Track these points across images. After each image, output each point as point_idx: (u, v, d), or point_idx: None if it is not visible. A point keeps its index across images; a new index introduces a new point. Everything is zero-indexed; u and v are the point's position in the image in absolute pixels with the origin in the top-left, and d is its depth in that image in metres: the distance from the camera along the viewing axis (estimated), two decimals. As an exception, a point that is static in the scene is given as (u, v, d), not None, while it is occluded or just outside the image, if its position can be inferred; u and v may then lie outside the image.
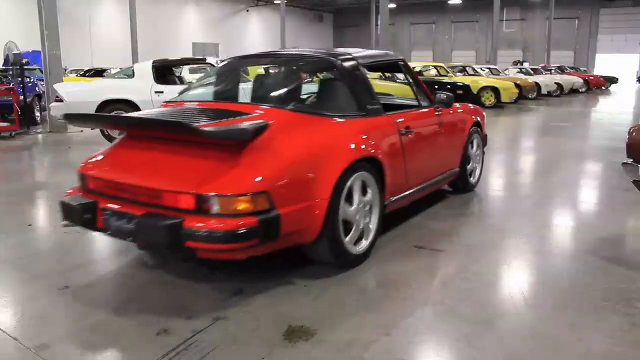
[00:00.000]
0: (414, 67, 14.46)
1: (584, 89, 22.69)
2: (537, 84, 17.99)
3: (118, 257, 3.38)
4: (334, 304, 2.66)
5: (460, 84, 14.21)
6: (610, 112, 14.71)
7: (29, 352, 2.24)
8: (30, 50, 15.75)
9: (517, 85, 15.46)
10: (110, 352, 2.26)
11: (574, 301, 2.69)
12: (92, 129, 7.82)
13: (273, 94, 3.60)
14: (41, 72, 11.84)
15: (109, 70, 18.15)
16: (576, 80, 21.69)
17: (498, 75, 18.53)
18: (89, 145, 8.31)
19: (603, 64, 35.90)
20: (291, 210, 2.66)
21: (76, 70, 19.54)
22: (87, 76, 16.89)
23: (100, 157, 3.11)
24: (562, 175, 5.96)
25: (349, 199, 3.01)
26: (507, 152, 7.75)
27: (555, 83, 19.86)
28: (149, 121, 2.93)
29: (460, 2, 38.58)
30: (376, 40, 31.98)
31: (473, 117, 4.79)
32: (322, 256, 3.02)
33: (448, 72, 15.50)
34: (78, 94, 8.04)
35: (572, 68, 26.77)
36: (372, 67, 4.16)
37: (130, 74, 8.43)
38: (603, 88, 25.88)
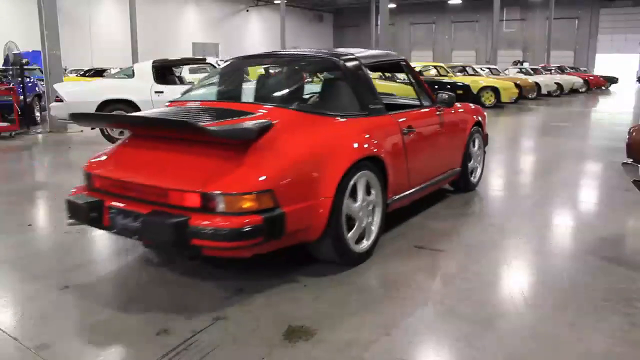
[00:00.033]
0: (414, 67, 14.42)
1: (584, 89, 22.69)
2: (537, 84, 17.99)
3: (118, 257, 3.38)
4: (334, 304, 2.66)
5: (460, 84, 14.21)
6: (610, 112, 14.71)
7: (29, 352, 2.24)
8: (30, 50, 15.75)
9: (517, 85, 15.46)
10: (111, 352, 2.26)
11: (574, 301, 2.69)
12: (92, 129, 7.82)
13: (277, 93, 3.64)
14: (41, 72, 11.84)
15: (109, 70, 18.15)
16: (576, 80, 21.69)
17: (498, 75, 18.53)
18: (89, 145, 8.31)
19: (603, 64, 35.90)
20: (295, 208, 2.68)
21: (76, 70, 19.54)
22: (87, 76, 16.89)
23: (106, 156, 3.14)
24: (562, 175, 5.96)
25: (353, 196, 3.04)
26: (507, 152, 7.75)
27: (555, 83, 19.86)
28: (155, 120, 2.95)
29: (460, 2, 38.58)
30: (376, 40, 31.99)
31: (474, 116, 4.82)
32: (326, 254, 3.04)
33: (448, 72, 15.50)
34: (78, 94, 8.05)
35: (572, 68, 26.76)
36: (375, 67, 4.18)
37: (130, 74, 8.43)
38: (603, 88, 25.88)
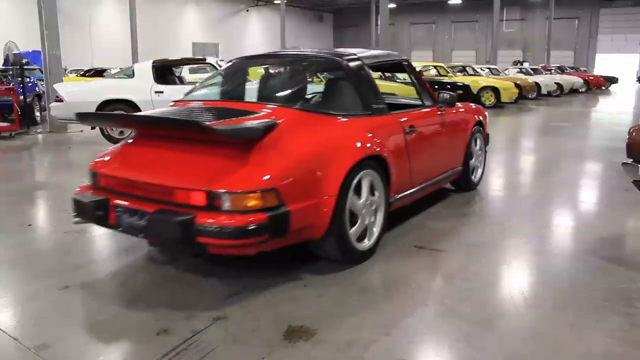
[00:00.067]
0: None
1: (584, 89, 22.69)
2: (537, 84, 17.99)
3: (118, 257, 3.38)
4: (334, 304, 2.66)
5: (460, 84, 14.20)
6: (610, 112, 14.71)
7: (29, 352, 2.24)
8: (30, 50, 15.74)
9: (517, 85, 15.45)
10: (111, 351, 2.26)
11: (574, 301, 2.69)
12: (92, 129, 7.82)
13: (281, 93, 3.70)
14: (41, 72, 11.83)
15: (109, 70, 18.15)
16: (576, 80, 21.69)
17: (498, 75, 18.53)
18: (89, 145, 8.32)
19: (603, 64, 35.89)
20: (300, 207, 2.71)
21: (76, 70, 19.53)
22: (87, 76, 16.88)
23: (111, 155, 3.16)
24: (562, 175, 5.96)
25: (357, 193, 3.07)
26: (507, 152, 7.75)
27: (555, 83, 19.86)
28: (162, 120, 2.98)
29: (460, 2, 38.57)
30: (376, 40, 31.98)
31: (475, 116, 4.85)
32: (329, 252, 3.06)
33: (448, 72, 15.50)
34: (78, 94, 8.04)
35: (572, 68, 26.76)
36: (377, 67, 4.21)
37: (130, 74, 8.43)
38: (603, 88, 25.87)
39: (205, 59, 8.97)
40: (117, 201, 2.82)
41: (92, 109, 7.56)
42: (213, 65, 8.40)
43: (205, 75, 10.92)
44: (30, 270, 3.15)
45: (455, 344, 2.28)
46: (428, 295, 2.77)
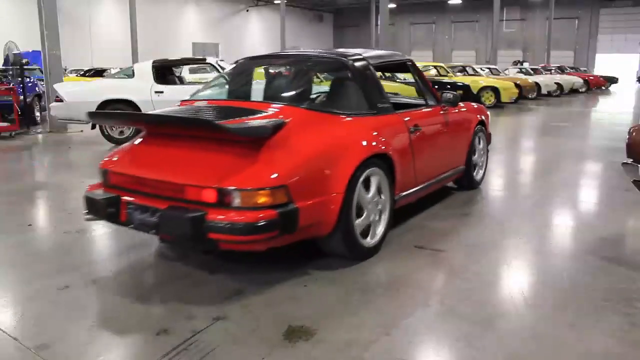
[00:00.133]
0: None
1: (584, 89, 22.69)
2: (537, 84, 17.99)
3: (118, 257, 3.38)
4: (334, 304, 2.66)
5: (460, 84, 14.20)
6: (610, 112, 14.71)
7: (29, 352, 2.24)
8: (30, 50, 15.74)
9: (517, 85, 15.45)
10: (111, 351, 2.25)
11: (574, 301, 2.69)
12: (92, 129, 7.82)
13: (288, 93, 3.78)
14: (41, 72, 11.83)
15: (109, 70, 18.15)
16: (576, 80, 21.69)
17: (498, 75, 18.52)
18: (89, 145, 8.32)
19: (603, 64, 35.88)
20: (308, 204, 2.76)
21: (76, 70, 19.53)
22: (87, 76, 16.88)
23: (122, 154, 3.21)
24: (562, 175, 5.96)
25: (366, 187, 3.14)
26: (507, 152, 7.75)
27: (555, 83, 19.85)
28: (173, 119, 3.04)
29: (460, 2, 38.56)
30: (376, 40, 31.98)
31: (478, 116, 4.90)
32: (336, 249, 3.11)
33: (448, 72, 15.50)
34: (78, 94, 8.04)
35: (572, 68, 26.76)
36: (382, 67, 4.24)
37: (130, 74, 8.43)
38: (603, 88, 25.87)
39: (205, 59, 8.97)
40: (129, 198, 2.86)
41: (92, 109, 7.56)
42: (213, 65, 8.40)
43: (206, 75, 10.96)
44: (30, 270, 3.15)
45: (455, 344, 2.28)
46: (428, 295, 2.77)
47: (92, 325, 2.45)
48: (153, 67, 8.09)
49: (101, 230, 3.83)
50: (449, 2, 38.93)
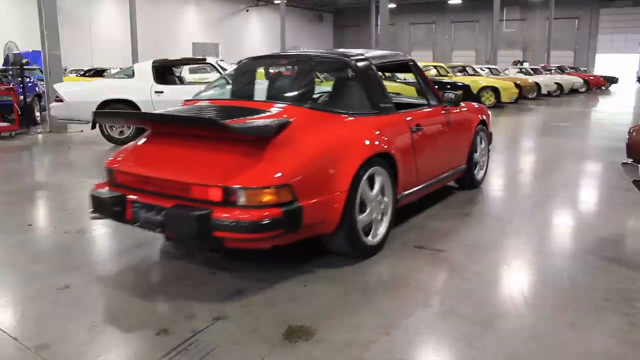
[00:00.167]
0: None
1: (584, 89, 22.68)
2: (537, 84, 17.98)
3: (118, 257, 3.38)
4: (334, 304, 2.66)
5: (460, 84, 14.19)
6: (610, 112, 14.71)
7: (29, 352, 2.24)
8: (30, 50, 15.73)
9: (517, 85, 15.44)
10: (111, 352, 2.25)
11: (574, 301, 2.69)
12: (92, 129, 7.78)
13: (291, 92, 3.81)
14: (41, 72, 11.83)
15: (109, 70, 18.15)
16: (576, 80, 21.68)
17: (498, 75, 18.52)
18: (89, 145, 8.32)
19: (603, 64, 35.88)
20: (312, 202, 2.79)
21: (76, 70, 19.53)
22: (87, 76, 16.88)
23: (127, 153, 3.23)
24: (562, 175, 5.96)
25: (370, 185, 3.17)
26: (508, 152, 7.74)
27: (555, 83, 19.85)
28: (179, 118, 3.07)
29: (460, 2, 38.56)
30: (376, 40, 31.97)
31: (479, 115, 4.93)
32: (340, 247, 3.14)
33: (448, 72, 15.50)
34: (78, 94, 8.04)
35: (572, 68, 26.74)
36: (385, 68, 4.26)
37: (130, 74, 8.43)
38: (603, 88, 25.86)
39: (205, 59, 8.97)
40: (134, 197, 2.88)
41: (92, 109, 7.52)
42: (213, 65, 8.39)
43: (206, 75, 10.95)
44: (30, 270, 3.15)
45: (455, 344, 2.28)
46: (428, 295, 2.77)
47: (92, 325, 2.45)
48: (153, 67, 8.09)
49: (101, 230, 3.83)
50: (449, 2, 38.92)
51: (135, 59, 22.32)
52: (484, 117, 5.01)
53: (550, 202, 4.77)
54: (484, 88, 14.38)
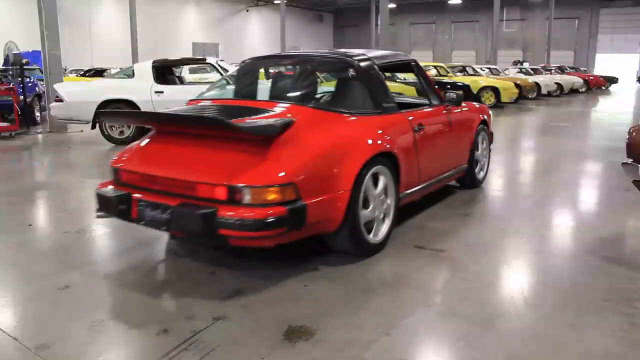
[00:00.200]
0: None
1: (584, 89, 22.68)
2: (537, 84, 17.98)
3: (118, 257, 3.38)
4: (334, 304, 2.66)
5: (460, 84, 14.20)
6: (610, 112, 14.71)
7: (29, 352, 2.24)
8: (30, 50, 15.73)
9: (517, 85, 15.45)
10: (111, 352, 2.25)
11: (574, 301, 2.69)
12: (92, 129, 7.80)
13: (295, 92, 3.84)
14: (41, 72, 11.83)
15: (109, 70, 18.15)
16: (576, 80, 21.68)
17: (498, 75, 18.52)
18: (89, 145, 8.32)
19: (603, 64, 35.88)
20: (316, 201, 2.81)
21: (76, 70, 19.53)
22: (87, 76, 16.89)
23: (132, 152, 3.25)
24: (562, 175, 5.96)
25: (374, 184, 3.20)
26: (508, 152, 7.74)
27: (555, 83, 19.85)
28: (184, 117, 3.11)
29: (460, 2, 38.56)
30: (376, 40, 31.96)
31: (480, 115, 4.96)
32: (343, 245, 3.16)
33: (448, 72, 15.50)
34: (78, 94, 8.04)
35: (572, 68, 26.74)
36: (387, 67, 4.28)
37: (130, 74, 8.43)
38: (603, 88, 25.87)
39: (205, 59, 8.97)
40: (140, 196, 2.90)
41: (92, 109, 7.56)
42: (213, 65, 8.40)
43: (206, 75, 10.95)
44: (30, 270, 3.15)
45: (455, 344, 2.28)
46: (428, 295, 2.77)
47: (92, 325, 2.45)
48: (153, 67, 8.10)
49: (101, 230, 3.84)
50: (449, 2, 38.93)
51: (135, 59, 22.32)
52: (485, 117, 5.04)
53: (550, 202, 4.77)
54: (484, 88, 14.39)
